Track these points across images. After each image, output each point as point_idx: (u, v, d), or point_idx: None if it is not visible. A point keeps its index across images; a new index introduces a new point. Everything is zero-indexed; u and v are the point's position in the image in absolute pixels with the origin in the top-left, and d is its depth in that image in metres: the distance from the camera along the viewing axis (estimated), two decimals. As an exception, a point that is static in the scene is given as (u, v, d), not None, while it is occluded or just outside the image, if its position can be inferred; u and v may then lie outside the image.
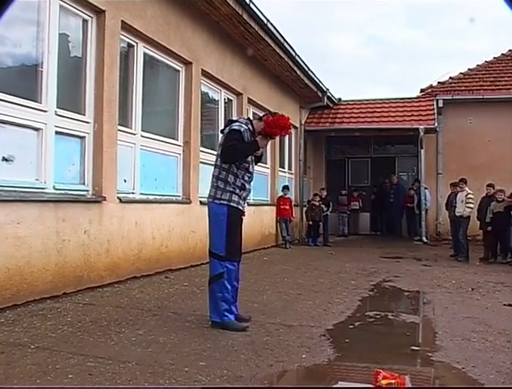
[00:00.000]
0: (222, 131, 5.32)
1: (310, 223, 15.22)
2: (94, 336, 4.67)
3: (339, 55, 52.18)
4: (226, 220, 5.03)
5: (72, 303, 5.95)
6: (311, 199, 15.77)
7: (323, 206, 15.27)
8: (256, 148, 5.14)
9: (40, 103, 6.27)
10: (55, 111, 6.44)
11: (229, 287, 5.08)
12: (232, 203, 5.07)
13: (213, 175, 5.19)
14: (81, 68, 7.07)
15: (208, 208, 5.21)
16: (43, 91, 6.29)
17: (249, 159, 5.22)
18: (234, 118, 5.49)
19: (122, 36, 7.74)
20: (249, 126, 5.21)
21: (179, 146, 9.52)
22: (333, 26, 55.43)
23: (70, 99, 6.94)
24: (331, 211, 16.03)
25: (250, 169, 5.24)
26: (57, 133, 6.49)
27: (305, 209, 16.10)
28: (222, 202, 5.04)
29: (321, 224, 15.34)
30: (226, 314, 5.05)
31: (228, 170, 5.09)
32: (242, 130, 5.09)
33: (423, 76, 49.91)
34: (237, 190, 5.11)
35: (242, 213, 5.24)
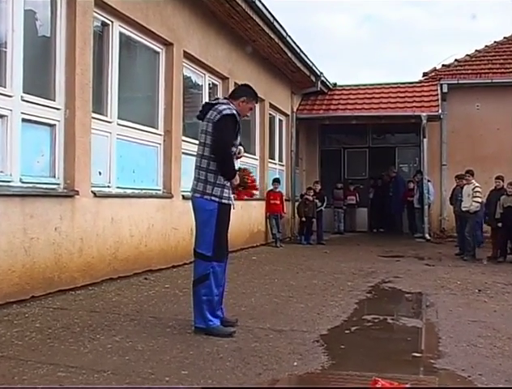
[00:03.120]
0: (201, 117, 5.23)
1: (303, 219, 15.23)
2: (65, 344, 4.64)
3: (332, 37, 52.31)
4: (216, 219, 5.02)
5: (41, 307, 5.91)
6: (304, 193, 15.78)
7: (317, 201, 15.29)
8: (231, 178, 5.16)
9: (5, 87, 6.20)
10: (21, 96, 6.38)
11: (215, 290, 5.06)
12: (223, 200, 5.06)
13: (200, 167, 5.13)
14: (50, 49, 7.00)
15: (195, 204, 5.17)
16: (7, 75, 6.22)
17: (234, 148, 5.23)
18: (213, 101, 5.41)
19: (96, 14, 7.67)
20: (233, 105, 5.21)
21: (159, 135, 9.48)
22: (324, 5, 55.47)
23: (38, 83, 6.89)
24: (326, 207, 16.07)
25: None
26: (23, 120, 6.44)
27: (297, 204, 16.11)
28: (213, 198, 5.02)
29: (314, 220, 15.37)
30: (211, 318, 5.04)
31: None
32: (235, 112, 5.11)
33: (424, 58, 50.02)
34: (228, 183, 5.13)
35: (231, 207, 5.25)
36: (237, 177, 5.26)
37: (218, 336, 4.94)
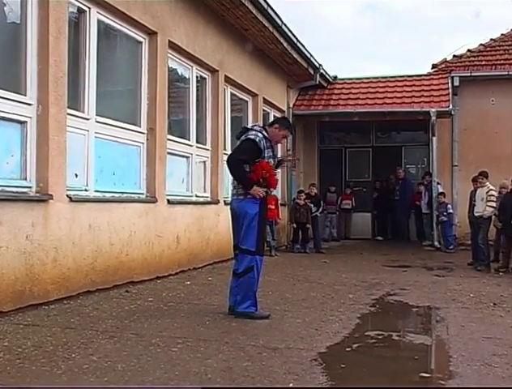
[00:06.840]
0: (238, 137, 6.80)
1: (294, 226, 15.30)
2: (37, 364, 4.62)
3: (332, 27, 52.43)
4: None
5: (10, 324, 5.90)
6: (295, 197, 15.78)
7: (311, 205, 15.30)
8: (248, 189, 6.51)
9: (-30, 80, 6.20)
10: (-12, 90, 6.38)
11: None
12: None
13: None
14: (20, 38, 6.97)
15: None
16: (-28, 67, 6.23)
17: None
18: (249, 126, 7.02)
19: None
20: (264, 132, 6.62)
21: (142, 133, 9.46)
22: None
23: (6, 75, 6.88)
24: (321, 212, 16.15)
25: None
26: (-10, 117, 6.43)
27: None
28: None
29: (310, 226, 15.39)
30: (254, 304, 6.55)
31: None
32: (257, 139, 6.49)
33: (432, 50, 50.23)
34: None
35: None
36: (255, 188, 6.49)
37: (258, 319, 6.32)
